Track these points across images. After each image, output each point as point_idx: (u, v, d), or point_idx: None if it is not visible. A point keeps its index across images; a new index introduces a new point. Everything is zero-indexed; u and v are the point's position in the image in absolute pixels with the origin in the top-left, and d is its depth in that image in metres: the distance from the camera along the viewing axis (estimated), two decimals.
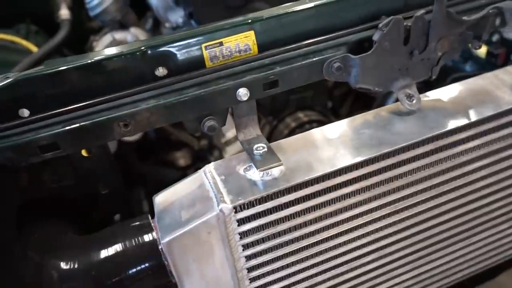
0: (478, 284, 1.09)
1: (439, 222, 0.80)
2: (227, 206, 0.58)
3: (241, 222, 0.61)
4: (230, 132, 1.29)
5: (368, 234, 0.74)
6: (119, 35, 1.26)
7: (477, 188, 0.79)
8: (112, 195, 0.75)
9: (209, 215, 0.59)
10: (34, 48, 1.29)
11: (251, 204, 0.60)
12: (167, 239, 0.59)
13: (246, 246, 0.63)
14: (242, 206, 0.60)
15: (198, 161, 1.51)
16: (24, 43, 1.30)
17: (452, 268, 0.91)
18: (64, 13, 1.35)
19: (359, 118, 0.73)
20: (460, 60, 1.36)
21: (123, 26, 1.30)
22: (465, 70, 1.37)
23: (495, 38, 1.24)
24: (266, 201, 0.61)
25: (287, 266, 0.69)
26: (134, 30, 1.27)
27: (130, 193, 1.36)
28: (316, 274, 0.73)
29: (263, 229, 0.63)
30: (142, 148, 1.44)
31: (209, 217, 0.59)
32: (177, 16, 1.23)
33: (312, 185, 0.63)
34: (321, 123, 1.36)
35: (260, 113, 1.20)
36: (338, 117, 1.48)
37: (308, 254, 0.70)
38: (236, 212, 0.59)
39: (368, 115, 0.74)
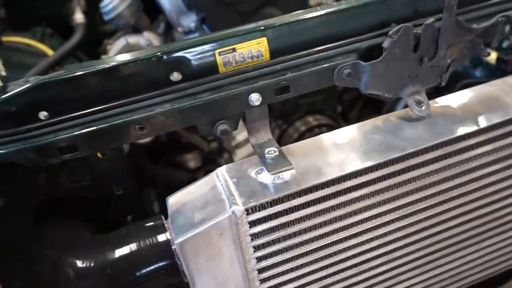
0: None
1: (448, 227, 0.81)
2: (239, 208, 0.60)
3: (252, 224, 0.62)
4: (240, 135, 1.31)
5: (377, 237, 0.75)
6: (132, 39, 1.28)
7: (486, 193, 0.80)
8: (126, 195, 0.77)
9: (221, 216, 0.60)
10: (49, 51, 1.32)
11: (262, 207, 0.62)
12: (180, 240, 0.61)
13: (257, 248, 0.65)
14: (253, 209, 0.61)
15: (208, 164, 1.52)
16: (40, 46, 1.33)
17: (462, 273, 0.92)
18: (79, 17, 1.38)
19: (368, 124, 0.75)
20: (469, 66, 1.36)
21: (136, 30, 1.32)
22: (474, 76, 1.37)
23: (505, 44, 1.24)
24: (277, 204, 0.62)
25: (297, 267, 0.70)
26: (147, 34, 1.30)
27: (141, 194, 1.37)
28: (326, 276, 0.74)
29: (274, 231, 0.65)
30: (153, 149, 1.46)
31: (221, 219, 0.60)
32: (190, 21, 1.25)
33: (322, 188, 0.64)
34: (330, 127, 1.37)
35: (270, 117, 1.22)
36: (348, 121, 1.49)
37: (318, 257, 0.71)
38: (247, 214, 0.61)
39: (378, 121, 0.75)
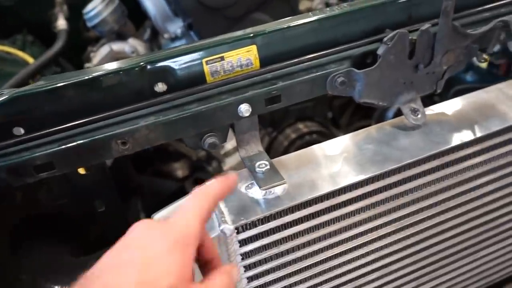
0: None
1: (445, 238, 0.78)
2: (229, 227, 0.57)
3: (243, 242, 0.59)
4: (229, 143, 1.27)
5: (373, 251, 0.72)
6: (116, 46, 1.24)
7: (484, 203, 0.78)
8: (109, 212, 0.73)
9: (210, 235, 0.57)
10: (30, 59, 1.27)
11: (253, 224, 0.58)
12: None
13: (248, 267, 0.61)
14: (244, 227, 0.58)
15: (196, 172, 1.49)
16: (20, 54, 1.28)
17: (459, 284, 0.90)
18: (61, 23, 1.33)
19: (362, 133, 0.72)
20: (461, 71, 1.34)
21: (121, 36, 1.29)
22: (466, 80, 1.36)
23: (496, 48, 1.23)
24: (268, 221, 0.59)
25: (290, 286, 0.67)
26: (132, 41, 1.26)
27: (127, 205, 1.33)
28: None
29: (266, 249, 0.61)
30: (139, 159, 1.41)
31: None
32: (176, 27, 1.22)
33: (316, 203, 0.61)
34: (321, 134, 1.35)
35: (259, 124, 1.19)
36: (338, 127, 1.46)
37: (312, 274, 0.68)
38: (238, 232, 0.58)
39: (372, 130, 0.72)
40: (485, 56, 0.74)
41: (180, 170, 1.50)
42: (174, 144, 1.43)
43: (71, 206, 0.68)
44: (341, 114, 1.47)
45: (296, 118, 1.34)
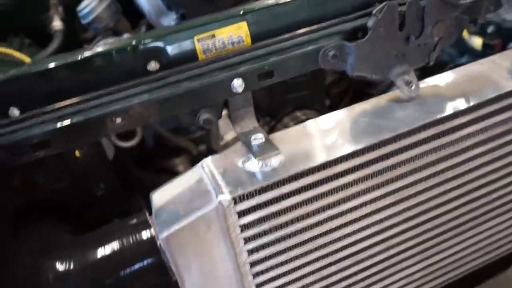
0: (488, 278, 1.07)
1: (446, 210, 0.78)
2: (226, 197, 0.57)
3: (241, 214, 0.59)
4: (228, 134, 1.28)
5: (373, 224, 0.72)
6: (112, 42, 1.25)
7: (483, 173, 0.77)
8: (109, 195, 0.74)
9: (208, 208, 0.57)
10: (27, 59, 1.28)
11: (250, 195, 0.59)
12: (165, 234, 0.57)
13: (248, 239, 0.62)
14: (241, 197, 0.58)
15: None
16: (17, 54, 1.29)
17: (463, 258, 0.89)
18: (57, 24, 1.34)
19: (357, 107, 0.72)
20: (456, 54, 1.35)
21: (116, 34, 1.29)
22: (461, 63, 1.36)
23: (490, 29, 1.24)
24: (266, 191, 0.59)
25: (291, 259, 0.67)
26: (127, 37, 1.26)
27: (129, 202, 1.34)
28: (322, 268, 0.71)
29: (265, 221, 0.62)
30: (140, 155, 1.42)
31: (208, 210, 0.57)
32: (170, 20, 1.22)
33: (312, 173, 0.61)
34: None
35: (257, 114, 1.20)
36: None
37: (312, 247, 0.68)
38: (235, 203, 0.58)
39: (366, 104, 0.73)
40: (475, 27, 0.74)
41: (181, 165, 1.50)
42: (174, 140, 1.44)
43: (71, 190, 0.69)
44: (339, 102, 1.47)
45: (294, 107, 1.34)
